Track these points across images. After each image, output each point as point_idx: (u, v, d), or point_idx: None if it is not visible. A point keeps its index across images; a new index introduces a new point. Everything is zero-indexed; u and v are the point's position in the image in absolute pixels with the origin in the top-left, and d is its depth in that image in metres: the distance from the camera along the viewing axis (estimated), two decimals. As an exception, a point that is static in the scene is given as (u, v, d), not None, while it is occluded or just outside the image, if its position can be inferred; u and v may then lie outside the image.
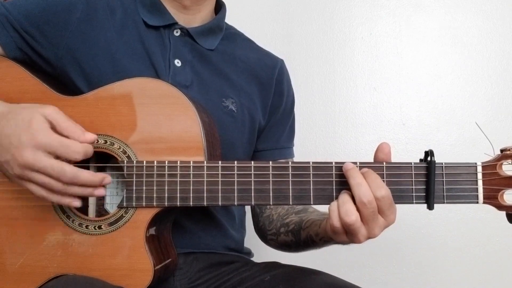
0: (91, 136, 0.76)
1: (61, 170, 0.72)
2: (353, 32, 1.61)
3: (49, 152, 0.72)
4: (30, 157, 0.71)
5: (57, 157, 0.73)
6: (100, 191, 0.77)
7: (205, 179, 0.79)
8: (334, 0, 1.61)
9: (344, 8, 1.61)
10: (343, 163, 0.76)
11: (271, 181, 0.78)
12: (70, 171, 0.72)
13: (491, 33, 1.58)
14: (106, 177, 0.76)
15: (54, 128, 0.74)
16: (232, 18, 1.08)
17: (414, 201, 0.76)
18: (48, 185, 0.73)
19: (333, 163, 0.77)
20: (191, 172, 0.79)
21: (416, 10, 1.60)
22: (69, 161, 0.74)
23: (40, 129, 0.72)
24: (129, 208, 0.80)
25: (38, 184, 0.73)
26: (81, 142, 0.75)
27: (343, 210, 0.71)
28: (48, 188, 0.74)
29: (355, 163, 0.75)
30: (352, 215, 0.71)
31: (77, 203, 0.76)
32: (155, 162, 0.79)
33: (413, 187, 0.76)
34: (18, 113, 0.75)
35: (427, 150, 0.77)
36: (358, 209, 0.71)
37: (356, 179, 0.72)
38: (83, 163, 0.82)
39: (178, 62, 0.94)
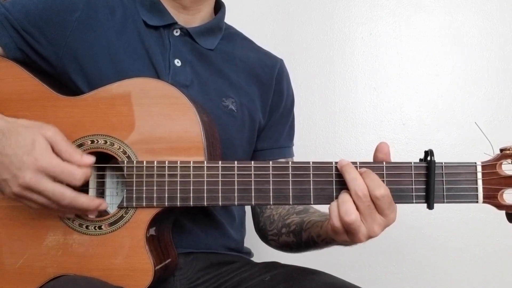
0: (89, 159, 0.77)
1: (61, 195, 0.74)
2: (353, 32, 1.61)
3: (50, 176, 0.74)
4: (32, 179, 0.73)
5: (57, 180, 0.74)
6: (93, 213, 0.80)
7: (205, 179, 0.79)
8: (334, 0, 1.61)
9: (344, 8, 1.61)
10: (343, 162, 0.76)
11: (271, 181, 0.78)
12: (69, 196, 0.74)
13: (491, 33, 1.58)
14: (102, 203, 0.78)
15: (53, 149, 0.75)
16: (232, 18, 1.08)
17: (414, 201, 0.76)
18: (45, 206, 0.76)
19: (333, 163, 0.77)
20: (191, 172, 0.79)
21: (416, 10, 1.60)
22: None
23: (43, 153, 0.74)
24: (129, 208, 0.80)
25: (36, 203, 0.76)
26: (79, 165, 0.75)
27: (343, 209, 0.72)
28: (45, 207, 0.76)
29: (355, 163, 0.76)
30: (351, 214, 0.71)
31: (71, 215, 0.80)
32: (155, 162, 0.79)
33: (413, 186, 0.76)
34: (19, 133, 0.75)
35: (427, 150, 0.77)
36: (355, 204, 0.72)
37: (351, 174, 0.73)
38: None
39: (178, 62, 0.94)
